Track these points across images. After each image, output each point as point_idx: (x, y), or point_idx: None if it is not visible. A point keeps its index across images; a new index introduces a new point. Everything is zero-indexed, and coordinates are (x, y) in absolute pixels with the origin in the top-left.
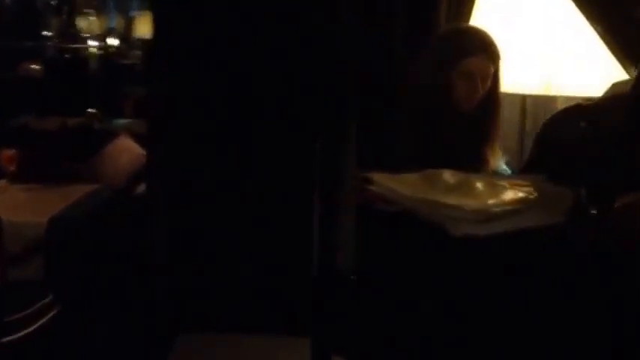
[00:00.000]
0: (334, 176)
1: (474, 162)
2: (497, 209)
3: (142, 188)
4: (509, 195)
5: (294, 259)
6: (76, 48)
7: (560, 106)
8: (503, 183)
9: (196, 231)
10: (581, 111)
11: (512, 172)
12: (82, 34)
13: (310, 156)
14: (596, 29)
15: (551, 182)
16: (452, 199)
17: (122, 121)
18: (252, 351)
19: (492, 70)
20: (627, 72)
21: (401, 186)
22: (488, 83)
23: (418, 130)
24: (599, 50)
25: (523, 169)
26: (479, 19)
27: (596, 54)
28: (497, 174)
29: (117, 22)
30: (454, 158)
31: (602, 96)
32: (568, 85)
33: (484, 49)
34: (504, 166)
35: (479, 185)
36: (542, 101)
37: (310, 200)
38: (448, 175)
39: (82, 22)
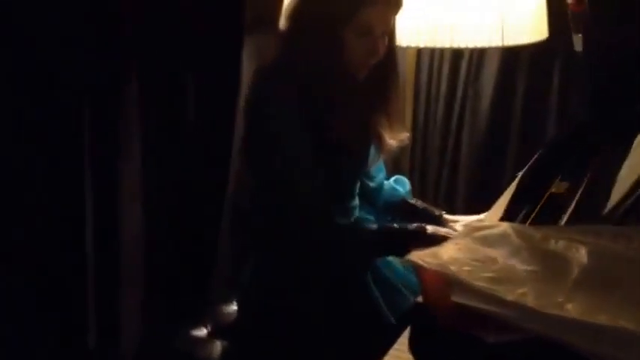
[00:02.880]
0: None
1: (367, 141)
2: None
3: None
4: None
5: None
6: None
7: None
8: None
9: None
10: None
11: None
12: None
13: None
14: None
15: None
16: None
17: None
18: None
19: (393, 22)
20: None
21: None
22: (387, 41)
23: (299, 104)
24: None
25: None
26: None
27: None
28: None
29: None
30: (345, 136)
31: None
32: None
33: None
34: (403, 178)
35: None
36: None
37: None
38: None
39: None
